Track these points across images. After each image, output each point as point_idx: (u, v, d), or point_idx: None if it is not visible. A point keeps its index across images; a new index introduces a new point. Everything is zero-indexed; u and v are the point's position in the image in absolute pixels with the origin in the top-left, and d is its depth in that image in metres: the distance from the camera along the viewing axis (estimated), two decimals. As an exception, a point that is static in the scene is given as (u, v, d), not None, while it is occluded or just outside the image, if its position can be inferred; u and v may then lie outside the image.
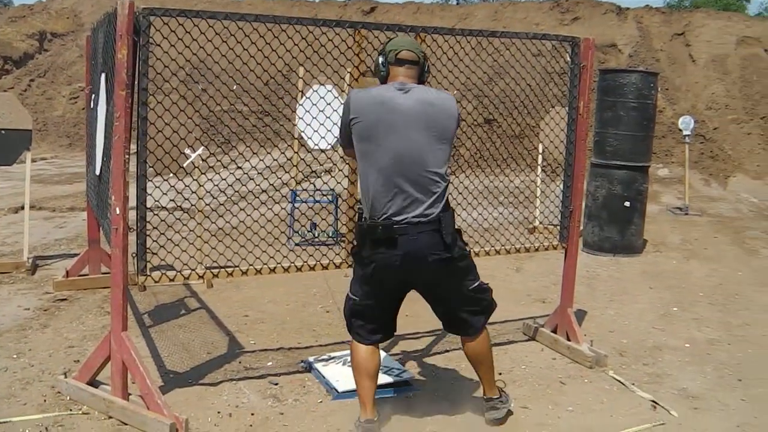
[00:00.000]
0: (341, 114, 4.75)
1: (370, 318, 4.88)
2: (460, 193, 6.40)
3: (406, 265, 4.58)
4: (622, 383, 5.96)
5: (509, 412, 5.22)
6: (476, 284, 4.91)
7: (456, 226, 4.76)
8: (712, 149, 19.61)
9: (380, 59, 4.78)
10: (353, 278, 4.92)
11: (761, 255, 11.18)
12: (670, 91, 21.62)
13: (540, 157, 11.44)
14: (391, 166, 4.50)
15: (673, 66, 22.85)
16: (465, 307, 4.92)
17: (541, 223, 11.03)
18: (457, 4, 45.70)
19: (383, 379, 5.57)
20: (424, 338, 6.69)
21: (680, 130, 15.27)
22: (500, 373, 5.90)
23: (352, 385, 5.42)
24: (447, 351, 6.47)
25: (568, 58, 6.56)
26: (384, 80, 4.78)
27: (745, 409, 5.60)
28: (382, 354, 6.02)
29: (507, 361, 6.32)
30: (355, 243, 4.91)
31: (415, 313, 7.15)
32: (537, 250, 6.66)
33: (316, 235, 9.89)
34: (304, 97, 7.94)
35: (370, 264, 4.66)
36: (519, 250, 6.63)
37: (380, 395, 5.36)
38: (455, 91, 5.49)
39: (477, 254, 6.24)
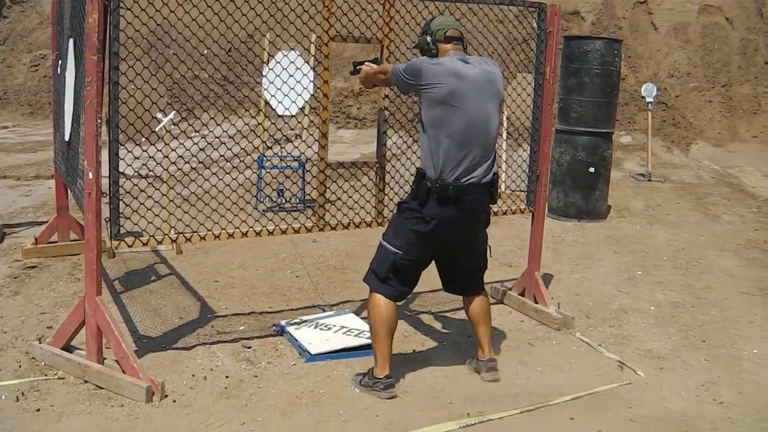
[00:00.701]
0: (406, 76, 5.00)
1: (409, 273, 5.12)
2: (418, 158, 6.46)
3: (465, 222, 5.04)
4: (589, 344, 6.07)
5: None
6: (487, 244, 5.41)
7: None
8: (674, 117, 19.76)
9: (427, 38, 5.11)
10: (397, 235, 5.07)
11: (722, 220, 11.34)
12: (633, 58, 21.71)
13: (505, 122, 11.48)
14: (464, 131, 4.87)
15: (635, 34, 22.93)
16: (481, 262, 5.37)
17: (508, 188, 11.11)
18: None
19: (355, 341, 5.66)
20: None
21: (643, 97, 15.41)
22: (469, 336, 6.01)
23: (324, 348, 5.52)
24: (417, 313, 6.55)
25: (535, 25, 6.60)
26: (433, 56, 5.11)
27: (709, 368, 5.73)
28: (352, 316, 6.10)
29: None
30: (409, 202, 5.09)
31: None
32: (505, 214, 6.72)
33: (285, 201, 9.91)
34: (274, 62, 7.92)
35: (431, 221, 4.93)
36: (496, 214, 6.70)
37: (350, 357, 5.53)
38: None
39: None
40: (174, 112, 7.48)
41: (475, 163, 4.93)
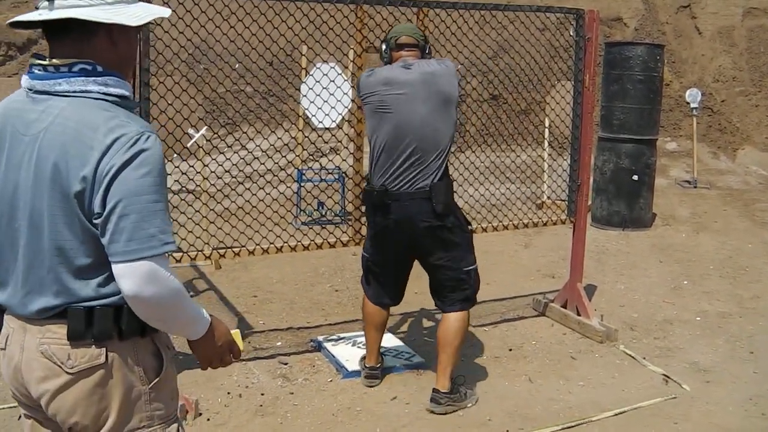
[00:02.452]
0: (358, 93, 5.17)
1: (377, 276, 5.28)
2: (467, 169, 6.40)
3: (400, 229, 4.91)
4: (633, 357, 5.95)
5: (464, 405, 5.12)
6: (468, 268, 5.07)
7: (458, 205, 5.05)
8: (720, 122, 19.49)
9: (383, 46, 5.11)
10: (367, 238, 5.34)
11: (771, 227, 11.13)
12: (677, 64, 21.47)
13: (546, 131, 11.37)
14: (392, 138, 4.83)
15: (679, 39, 22.69)
16: (449, 284, 5.06)
17: (549, 198, 10.96)
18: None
19: (393, 362, 5.60)
20: (436, 314, 6.65)
21: (687, 103, 15.24)
22: (510, 349, 5.92)
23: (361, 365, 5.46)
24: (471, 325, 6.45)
25: (572, 32, 6.50)
26: (389, 64, 5.11)
27: (757, 381, 5.60)
28: (392, 338, 6.02)
29: (517, 336, 6.31)
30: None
31: (423, 291, 7.14)
32: (545, 224, 6.64)
33: (323, 214, 9.86)
34: (308, 75, 7.88)
35: (374, 227, 5.12)
36: (527, 225, 6.61)
37: (388, 373, 5.47)
38: (460, 66, 5.47)
39: (485, 230, 6.23)
40: (206, 127, 7.45)
41: (407, 169, 4.82)
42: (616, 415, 4.97)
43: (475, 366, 5.71)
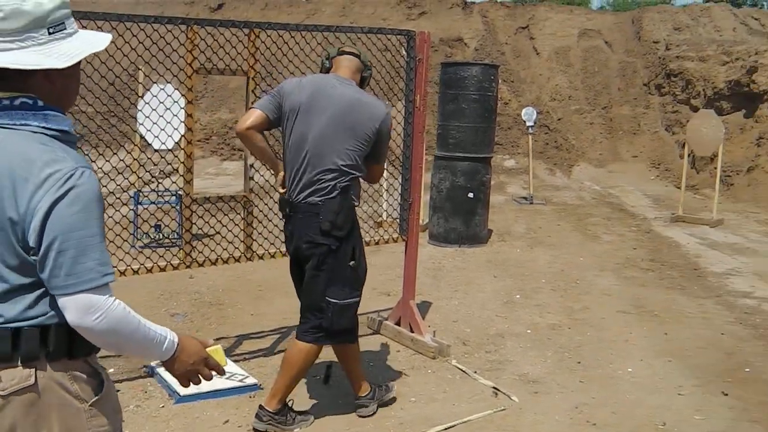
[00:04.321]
0: None
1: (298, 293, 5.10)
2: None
3: (294, 242, 4.86)
4: (464, 372, 6.06)
5: (392, 399, 5.35)
6: (332, 300, 4.86)
7: (357, 235, 5.00)
8: (556, 139, 20.13)
9: (326, 53, 5.09)
10: None
11: (602, 240, 11.56)
12: (516, 83, 22.09)
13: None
14: (296, 146, 4.77)
15: (518, 59, 23.36)
16: (306, 304, 4.95)
17: (389, 216, 11.09)
18: (307, 1, 45.51)
19: (225, 384, 5.53)
20: (269, 336, 6.64)
21: (524, 121, 15.65)
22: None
23: (193, 389, 5.36)
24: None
25: (404, 53, 6.61)
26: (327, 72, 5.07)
27: (584, 390, 5.79)
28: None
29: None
30: None
31: (259, 312, 7.15)
32: (378, 243, 6.71)
33: (163, 237, 9.72)
34: (150, 96, 7.76)
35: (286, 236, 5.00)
36: (368, 244, 6.66)
37: (221, 397, 5.39)
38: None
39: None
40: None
41: (303, 184, 4.75)
42: (446, 429, 5.04)
43: (307, 386, 5.71)
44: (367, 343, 6.63)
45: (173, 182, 7.02)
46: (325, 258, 4.77)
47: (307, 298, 4.92)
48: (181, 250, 5.85)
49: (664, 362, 6.42)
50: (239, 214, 6.11)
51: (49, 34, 2.31)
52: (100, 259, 2.25)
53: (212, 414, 5.20)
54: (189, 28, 5.61)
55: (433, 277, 8.88)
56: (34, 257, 2.22)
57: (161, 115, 6.10)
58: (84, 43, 2.40)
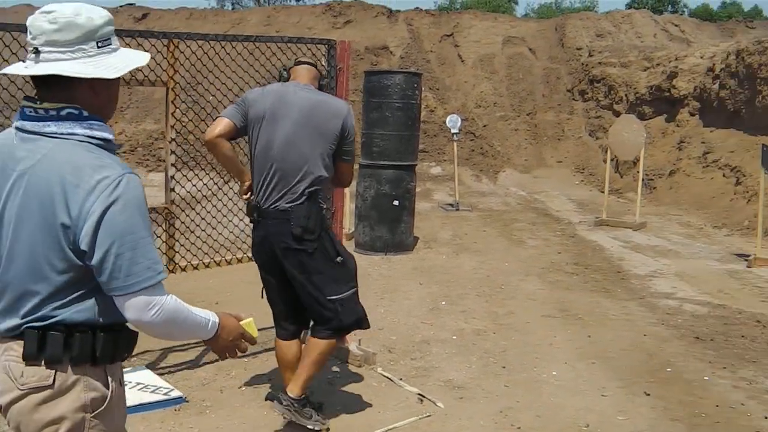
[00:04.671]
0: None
1: (273, 302, 5.23)
2: (230, 199, 6.39)
3: (266, 248, 4.95)
4: (390, 379, 6.06)
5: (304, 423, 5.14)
6: (333, 297, 4.99)
7: (330, 234, 5.06)
8: (482, 146, 20.27)
9: (284, 74, 5.23)
10: None
11: (527, 245, 11.65)
12: (441, 90, 22.20)
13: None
14: (261, 154, 4.87)
15: (443, 66, 23.48)
16: (313, 309, 5.04)
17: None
18: (233, 9, 45.37)
19: (150, 398, 5.46)
20: (194, 349, 6.56)
21: (449, 128, 15.74)
22: (270, 379, 5.94)
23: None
24: (217, 360, 6.34)
25: (324, 62, 6.60)
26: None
27: (509, 394, 5.82)
28: (149, 373, 5.89)
29: (275, 366, 6.29)
30: None
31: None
32: (302, 252, 6.68)
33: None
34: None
35: (253, 242, 5.12)
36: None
37: (146, 411, 5.31)
38: (233, 97, 5.53)
39: (240, 260, 6.25)
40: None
41: (273, 188, 4.85)
42: (371, 437, 5.05)
43: (232, 397, 5.67)
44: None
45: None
46: (308, 262, 4.88)
47: (307, 301, 5.03)
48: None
49: (588, 365, 6.49)
50: (161, 226, 6.02)
51: (98, 47, 2.49)
52: (153, 259, 2.45)
53: (137, 428, 5.10)
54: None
55: (359, 285, 8.84)
56: (80, 261, 2.42)
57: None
58: (127, 59, 2.58)
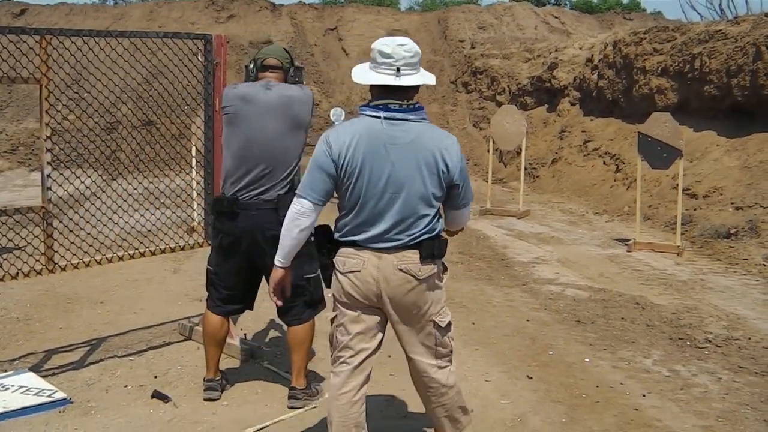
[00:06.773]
0: None
1: (222, 287, 5.53)
2: (120, 196, 6.41)
3: (246, 238, 5.25)
4: (277, 372, 6.10)
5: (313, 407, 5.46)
6: (308, 276, 5.36)
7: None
8: (368, 139, 20.37)
9: (251, 65, 5.52)
10: (211, 250, 5.67)
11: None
12: (326, 84, 22.28)
13: (194, 155, 11.34)
14: (242, 149, 5.22)
15: (327, 60, 23.56)
16: (297, 295, 5.20)
17: (202, 221, 10.91)
18: (115, 4, 44.55)
19: (33, 401, 5.40)
20: (79, 349, 6.49)
21: (333, 122, 15.77)
22: (155, 376, 5.92)
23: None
24: (102, 360, 6.31)
25: (200, 57, 6.58)
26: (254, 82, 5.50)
27: (394, 382, 5.90)
28: (33, 376, 5.82)
29: (163, 362, 6.28)
30: None
31: (68, 325, 6.99)
32: (183, 249, 6.68)
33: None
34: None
35: (219, 234, 5.41)
36: (174, 250, 6.63)
37: (30, 414, 5.25)
38: (119, 93, 5.50)
39: (132, 257, 6.24)
40: None
41: (257, 181, 5.18)
42: (259, 430, 5.09)
43: (118, 397, 5.64)
44: (179, 349, 6.58)
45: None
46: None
47: (294, 287, 5.08)
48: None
49: (472, 351, 6.63)
50: (38, 225, 5.93)
51: (419, 68, 4.07)
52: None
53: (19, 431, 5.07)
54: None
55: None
56: (454, 189, 4.13)
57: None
58: (426, 74, 4.12)
